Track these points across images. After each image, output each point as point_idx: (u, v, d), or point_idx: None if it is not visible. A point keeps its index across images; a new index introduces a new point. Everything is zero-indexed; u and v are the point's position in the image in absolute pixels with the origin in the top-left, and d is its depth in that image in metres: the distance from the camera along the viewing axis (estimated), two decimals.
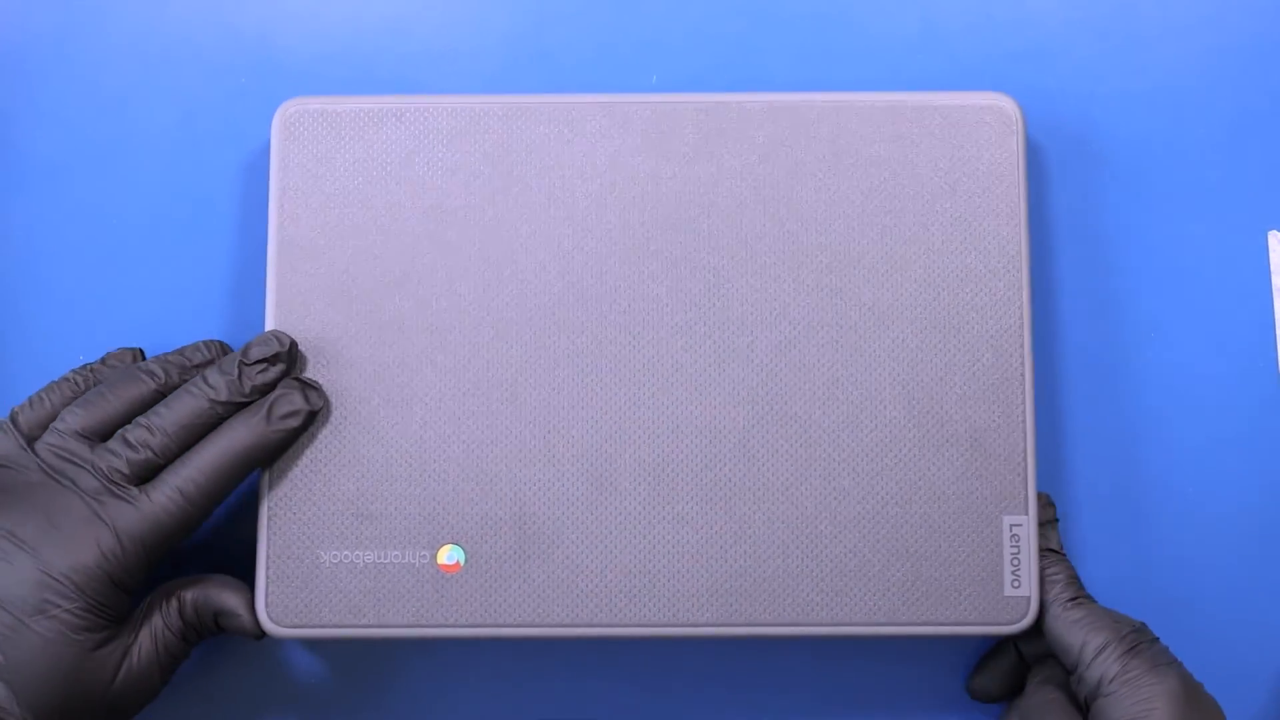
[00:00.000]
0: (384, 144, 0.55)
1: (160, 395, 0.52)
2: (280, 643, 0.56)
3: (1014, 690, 0.55)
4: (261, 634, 0.52)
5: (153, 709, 0.52)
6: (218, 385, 0.51)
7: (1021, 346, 0.54)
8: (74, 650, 0.48)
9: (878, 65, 0.58)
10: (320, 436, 0.53)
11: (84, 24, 0.59)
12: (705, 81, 0.58)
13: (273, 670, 0.57)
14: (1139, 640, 0.51)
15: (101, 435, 0.51)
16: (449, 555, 0.53)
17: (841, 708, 0.57)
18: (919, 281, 0.54)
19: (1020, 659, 0.55)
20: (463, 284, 0.54)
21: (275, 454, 0.52)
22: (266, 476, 0.53)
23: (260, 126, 0.56)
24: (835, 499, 0.53)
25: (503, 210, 0.54)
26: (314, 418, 0.53)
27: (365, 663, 0.57)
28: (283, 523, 0.53)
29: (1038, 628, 0.53)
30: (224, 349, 0.54)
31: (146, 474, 0.50)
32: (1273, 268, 0.58)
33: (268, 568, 0.53)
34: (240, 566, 0.54)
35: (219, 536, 0.56)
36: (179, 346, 0.54)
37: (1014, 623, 0.53)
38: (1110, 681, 0.50)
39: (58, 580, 0.48)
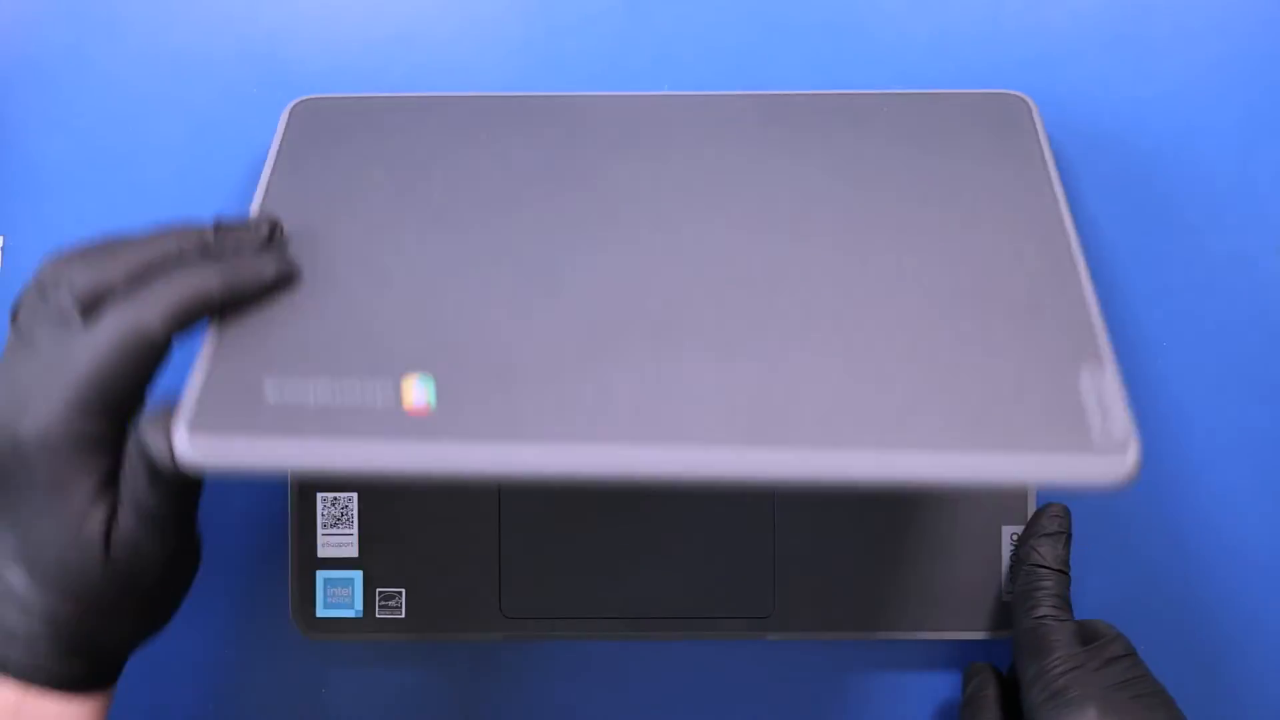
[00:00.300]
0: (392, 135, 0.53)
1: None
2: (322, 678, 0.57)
3: None
4: (175, 463, 0.42)
5: None
6: (191, 236, 0.45)
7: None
8: (61, 522, 0.43)
9: (889, 72, 0.58)
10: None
11: (96, 35, 0.59)
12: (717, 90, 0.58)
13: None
14: (1086, 662, 0.50)
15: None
16: (418, 388, 0.42)
17: (840, 711, 0.57)
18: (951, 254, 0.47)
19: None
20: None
21: (233, 306, 0.45)
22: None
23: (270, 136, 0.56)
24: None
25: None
26: (284, 282, 0.45)
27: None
28: (228, 339, 0.43)
29: None
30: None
31: (94, 304, 0.43)
32: None
33: (200, 384, 0.42)
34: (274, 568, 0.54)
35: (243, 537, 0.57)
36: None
37: (1005, 629, 0.54)
38: (1035, 710, 0.50)
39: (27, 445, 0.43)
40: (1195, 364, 0.57)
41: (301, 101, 0.54)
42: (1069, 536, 0.54)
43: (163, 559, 0.45)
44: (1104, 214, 0.57)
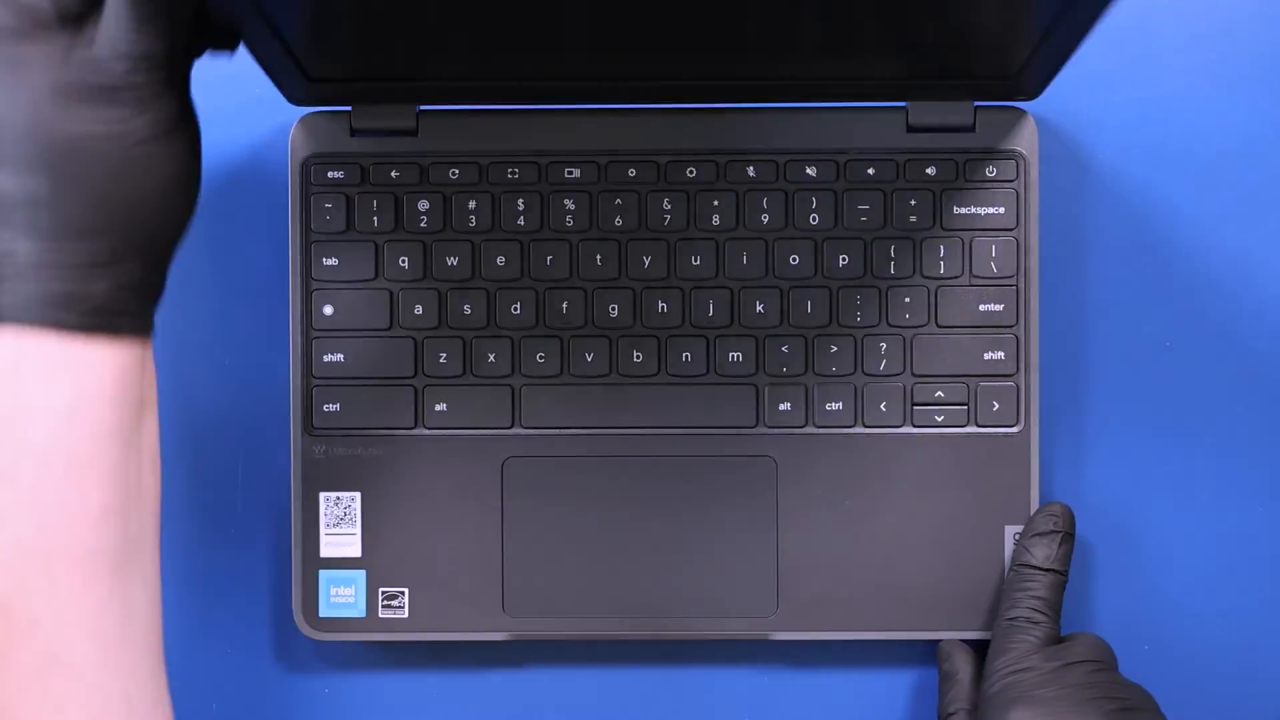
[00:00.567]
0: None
1: None
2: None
3: None
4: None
5: None
6: None
7: (1028, 356, 0.54)
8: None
9: None
10: None
11: None
12: None
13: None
14: (1039, 665, 0.50)
15: None
16: None
17: (843, 709, 0.57)
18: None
19: None
20: None
21: None
22: None
23: (279, 136, 0.56)
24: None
25: None
26: None
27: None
28: None
29: None
30: None
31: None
32: None
33: None
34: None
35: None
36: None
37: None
38: (981, 708, 0.50)
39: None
40: (1196, 364, 0.57)
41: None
42: (1065, 536, 0.53)
43: (147, 119, 0.41)
44: (1105, 214, 0.57)
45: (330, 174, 0.55)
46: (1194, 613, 0.57)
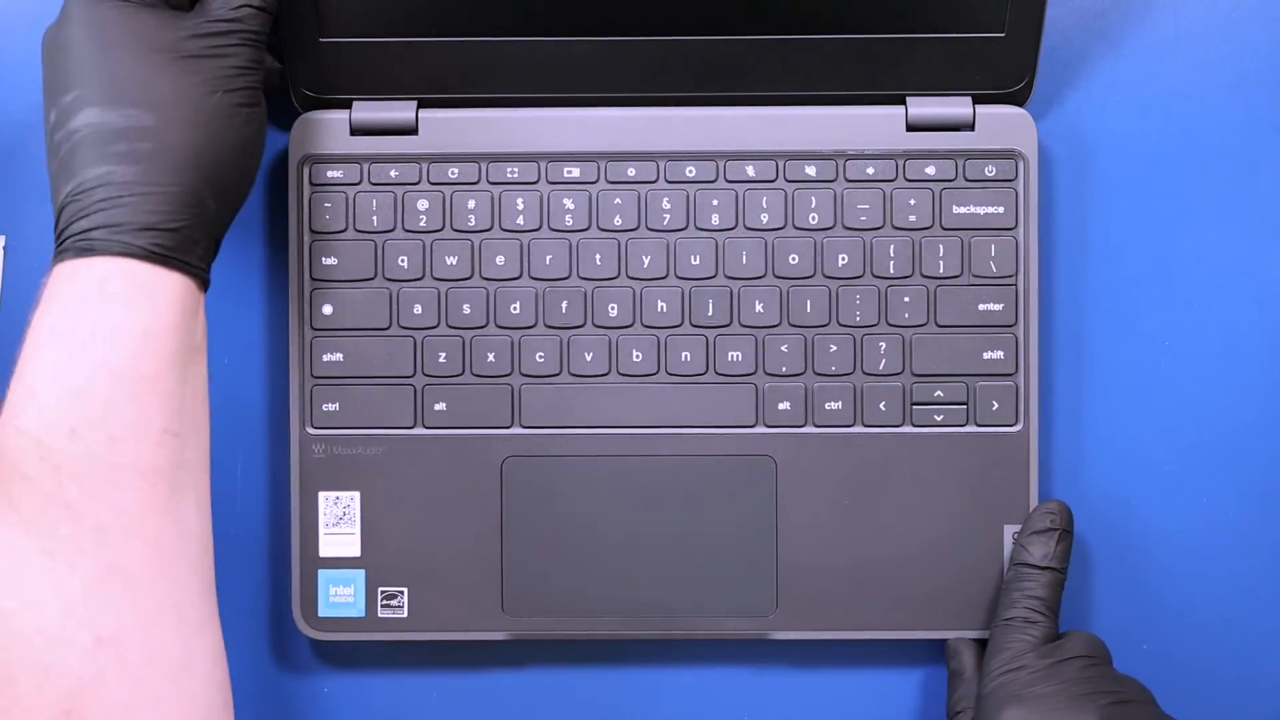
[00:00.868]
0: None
1: None
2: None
3: None
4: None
5: None
6: None
7: (1027, 356, 0.54)
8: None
9: None
10: None
11: None
12: None
13: None
14: (1033, 664, 0.50)
15: None
16: None
17: (843, 709, 0.57)
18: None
19: None
20: None
21: None
22: None
23: (279, 136, 0.57)
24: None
25: None
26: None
27: None
28: None
29: None
30: None
31: None
32: None
33: None
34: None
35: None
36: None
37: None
38: (977, 706, 0.50)
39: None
40: (1196, 364, 0.57)
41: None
42: (1063, 533, 0.53)
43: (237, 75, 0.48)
44: (1104, 214, 0.57)
45: (330, 173, 0.55)
46: (1193, 612, 0.57)
